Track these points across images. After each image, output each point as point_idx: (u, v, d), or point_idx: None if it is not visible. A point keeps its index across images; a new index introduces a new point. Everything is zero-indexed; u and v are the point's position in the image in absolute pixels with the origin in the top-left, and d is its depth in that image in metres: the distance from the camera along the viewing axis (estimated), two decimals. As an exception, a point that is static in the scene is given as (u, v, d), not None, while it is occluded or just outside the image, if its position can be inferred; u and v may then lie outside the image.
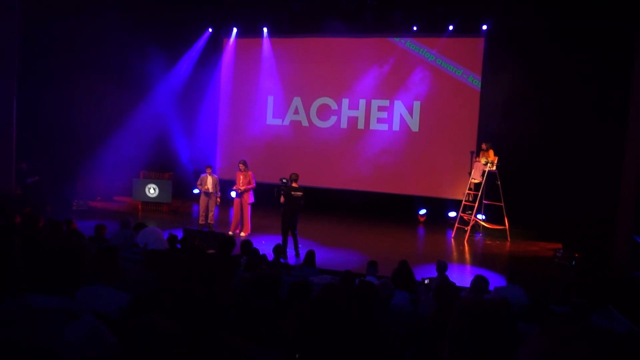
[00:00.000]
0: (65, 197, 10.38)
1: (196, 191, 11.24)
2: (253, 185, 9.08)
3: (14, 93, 9.72)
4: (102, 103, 11.50)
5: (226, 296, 3.44)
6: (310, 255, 5.95)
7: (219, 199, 9.59)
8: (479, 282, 4.84)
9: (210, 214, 9.37)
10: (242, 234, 9.00)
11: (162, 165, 12.13)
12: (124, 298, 2.71)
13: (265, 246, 7.57)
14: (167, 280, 3.50)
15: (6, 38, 9.46)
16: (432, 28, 11.35)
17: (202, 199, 9.38)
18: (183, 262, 3.52)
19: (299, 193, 7.87)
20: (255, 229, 9.23)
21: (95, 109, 11.36)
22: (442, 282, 5.03)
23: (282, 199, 7.86)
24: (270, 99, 12.79)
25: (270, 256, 6.13)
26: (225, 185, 11.31)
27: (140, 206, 11.15)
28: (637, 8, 8.01)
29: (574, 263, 7.57)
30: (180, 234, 7.52)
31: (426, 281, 5.30)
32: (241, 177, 9.05)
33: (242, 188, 8.96)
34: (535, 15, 9.78)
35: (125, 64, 11.78)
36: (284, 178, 8.04)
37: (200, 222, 9.36)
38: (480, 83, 11.21)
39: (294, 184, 7.99)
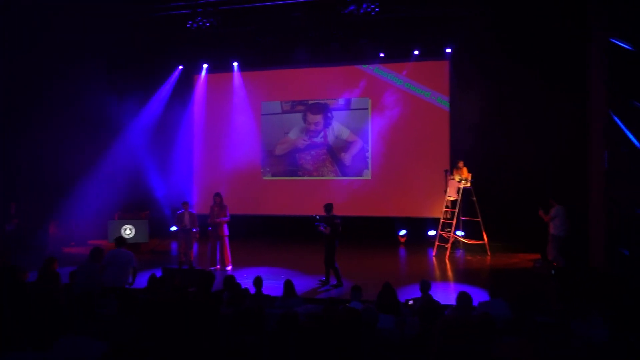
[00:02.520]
0: (38, 244, 10.09)
1: (174, 228, 11.07)
2: (227, 217, 9.00)
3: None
4: (73, 146, 11.35)
5: (208, 337, 3.37)
6: (289, 284, 5.87)
7: (197, 235, 9.44)
8: (463, 299, 4.87)
9: (190, 251, 9.22)
10: (227, 268, 8.86)
11: (137, 205, 11.93)
12: (100, 348, 2.62)
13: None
14: (145, 326, 3.41)
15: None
16: (398, 54, 11.72)
17: (180, 236, 9.23)
18: (161, 306, 3.45)
19: (338, 220, 7.87)
20: (239, 262, 9.08)
21: (69, 152, 11.21)
22: (426, 302, 5.05)
23: (328, 230, 7.75)
24: (244, 131, 12.85)
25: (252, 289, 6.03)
26: (203, 220, 11.18)
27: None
28: (585, 20, 8.47)
29: (553, 272, 7.70)
30: (159, 273, 7.35)
31: (410, 302, 5.30)
32: (215, 209, 8.98)
33: (217, 221, 8.87)
34: (495, 35, 10.28)
35: (98, 106, 11.72)
36: (316, 215, 8.02)
37: (179, 259, 9.18)
38: (448, 103, 11.56)
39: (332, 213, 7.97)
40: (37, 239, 10.25)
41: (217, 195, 9.13)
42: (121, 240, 6.67)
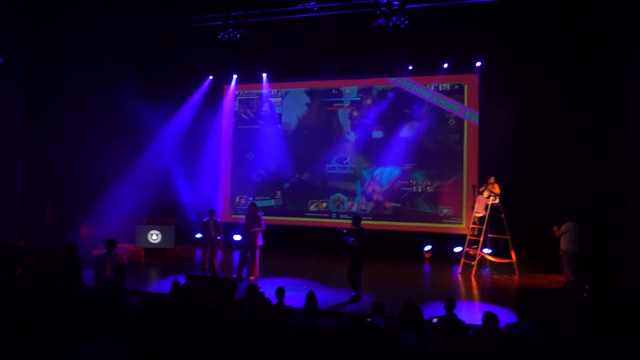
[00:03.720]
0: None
1: (199, 236, 11.21)
2: (262, 227, 9.04)
3: (19, 143, 9.96)
4: (106, 152, 11.71)
5: (228, 345, 3.37)
6: (311, 296, 5.83)
7: (221, 243, 9.52)
8: (489, 320, 4.73)
9: (214, 259, 9.30)
10: (251, 277, 8.88)
11: (164, 211, 12.15)
12: (120, 352, 2.65)
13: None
14: (166, 331, 3.43)
15: (12, 86, 9.78)
16: (427, 66, 11.63)
17: (205, 243, 9.34)
18: (182, 312, 3.47)
19: (366, 233, 7.80)
20: (262, 271, 9.10)
21: (99, 158, 11.55)
22: (451, 321, 4.92)
23: (357, 242, 7.66)
24: (271, 141, 12.97)
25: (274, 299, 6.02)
26: (227, 228, 11.29)
27: (142, 252, 11.08)
28: (622, 43, 8.22)
29: (585, 295, 7.39)
30: (183, 280, 7.43)
31: (434, 320, 5.17)
32: (250, 219, 9.04)
33: (252, 231, 8.92)
34: (527, 50, 10.09)
35: (128, 113, 12.04)
36: (344, 229, 7.99)
37: (203, 266, 9.27)
38: (478, 118, 11.36)
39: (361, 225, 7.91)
40: (68, 239, 10.54)
41: (252, 204, 9.22)
42: (112, 242, 6.80)
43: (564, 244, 8.74)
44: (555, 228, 8.90)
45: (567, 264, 8.66)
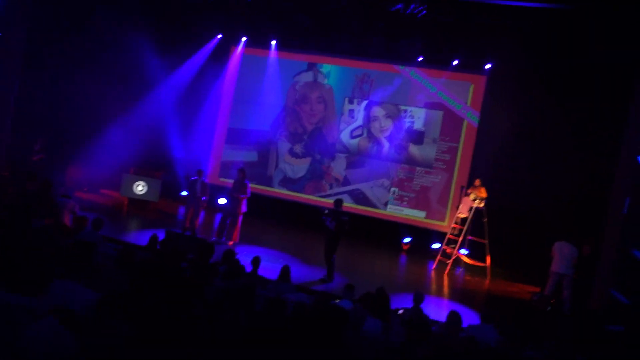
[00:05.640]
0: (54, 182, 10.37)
1: (184, 194, 11.22)
2: (247, 194, 9.06)
3: (17, 77, 9.80)
4: (102, 97, 11.53)
5: (195, 308, 3.44)
6: (285, 270, 5.93)
7: (205, 204, 9.55)
8: (453, 318, 4.86)
9: (196, 219, 9.34)
10: (230, 242, 8.95)
11: (154, 163, 12.09)
12: (92, 296, 2.70)
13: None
14: (138, 284, 3.48)
15: (15, 23, 9.56)
16: (437, 60, 11.53)
17: (189, 202, 9.36)
18: (156, 267, 3.52)
19: (346, 217, 7.79)
20: (242, 239, 9.17)
21: (95, 102, 11.39)
22: (416, 314, 5.05)
23: (334, 226, 7.70)
24: (271, 112, 12.87)
25: (249, 267, 6.11)
26: (214, 191, 11.29)
27: (126, 202, 11.08)
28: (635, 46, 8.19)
29: (549, 309, 7.60)
30: (162, 235, 7.49)
31: (400, 311, 5.30)
32: (237, 185, 9.05)
33: (236, 195, 8.95)
34: (537, 60, 10.04)
35: (130, 59, 11.82)
36: (325, 209, 8.02)
37: (184, 225, 9.32)
38: (478, 119, 11.37)
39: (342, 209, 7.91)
40: (54, 177, 10.50)
41: (241, 170, 9.19)
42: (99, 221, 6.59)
43: (551, 265, 8.18)
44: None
45: (550, 283, 8.15)
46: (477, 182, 9.95)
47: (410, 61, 11.73)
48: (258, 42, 12.83)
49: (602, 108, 9.66)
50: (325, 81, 12.51)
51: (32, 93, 10.43)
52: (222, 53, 13.17)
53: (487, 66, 11.14)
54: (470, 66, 11.30)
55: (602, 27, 8.40)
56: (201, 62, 13.04)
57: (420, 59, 11.62)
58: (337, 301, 5.11)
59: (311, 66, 12.64)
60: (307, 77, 12.66)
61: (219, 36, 13.02)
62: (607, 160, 9.04)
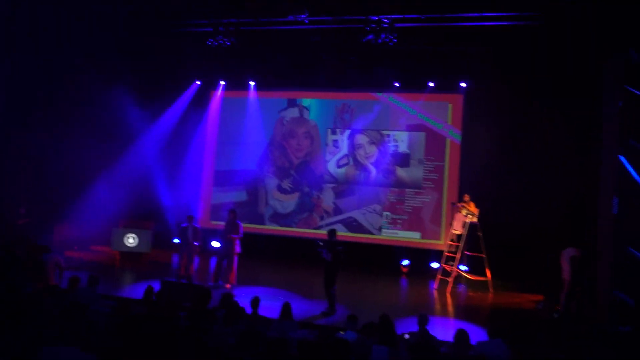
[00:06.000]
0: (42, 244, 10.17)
1: (176, 241, 11.09)
2: (240, 234, 9.00)
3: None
4: (86, 153, 11.48)
5: (198, 354, 3.34)
6: (286, 307, 5.81)
7: (198, 249, 9.46)
8: (461, 337, 4.79)
9: (190, 265, 9.21)
10: (227, 285, 8.81)
11: (143, 214, 11.98)
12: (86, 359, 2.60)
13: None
14: (132, 341, 3.38)
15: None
16: (413, 84, 11.80)
17: (182, 249, 9.25)
18: (151, 321, 3.43)
19: (341, 247, 7.73)
20: (239, 280, 9.02)
21: (79, 159, 11.33)
22: (422, 337, 4.96)
23: (330, 257, 7.62)
24: (255, 150, 12.95)
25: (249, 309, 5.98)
26: (206, 234, 11.20)
27: (118, 256, 10.89)
28: (601, 63, 8.48)
29: (555, 316, 7.53)
30: (157, 286, 7.34)
31: (406, 336, 5.21)
32: (228, 227, 8.99)
33: (229, 236, 8.88)
34: (511, 72, 10.36)
35: (111, 113, 11.88)
36: (320, 241, 7.98)
37: (179, 272, 9.17)
38: (460, 137, 11.56)
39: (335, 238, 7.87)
40: (42, 240, 10.32)
41: (232, 211, 9.17)
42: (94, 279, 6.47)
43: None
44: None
45: (563, 291, 8.19)
46: (466, 197, 10.03)
47: (387, 87, 11.99)
48: (236, 84, 13.04)
49: (579, 114, 9.92)
50: (310, 116, 12.69)
51: (15, 153, 10.39)
52: (202, 98, 13.36)
53: (463, 84, 11.44)
54: (446, 87, 11.58)
55: (568, 39, 8.74)
56: (182, 109, 13.19)
57: (397, 84, 11.89)
58: (342, 333, 5.01)
59: (291, 102, 12.84)
60: (294, 112, 12.84)
61: (198, 82, 13.22)
62: (591, 163, 9.20)
